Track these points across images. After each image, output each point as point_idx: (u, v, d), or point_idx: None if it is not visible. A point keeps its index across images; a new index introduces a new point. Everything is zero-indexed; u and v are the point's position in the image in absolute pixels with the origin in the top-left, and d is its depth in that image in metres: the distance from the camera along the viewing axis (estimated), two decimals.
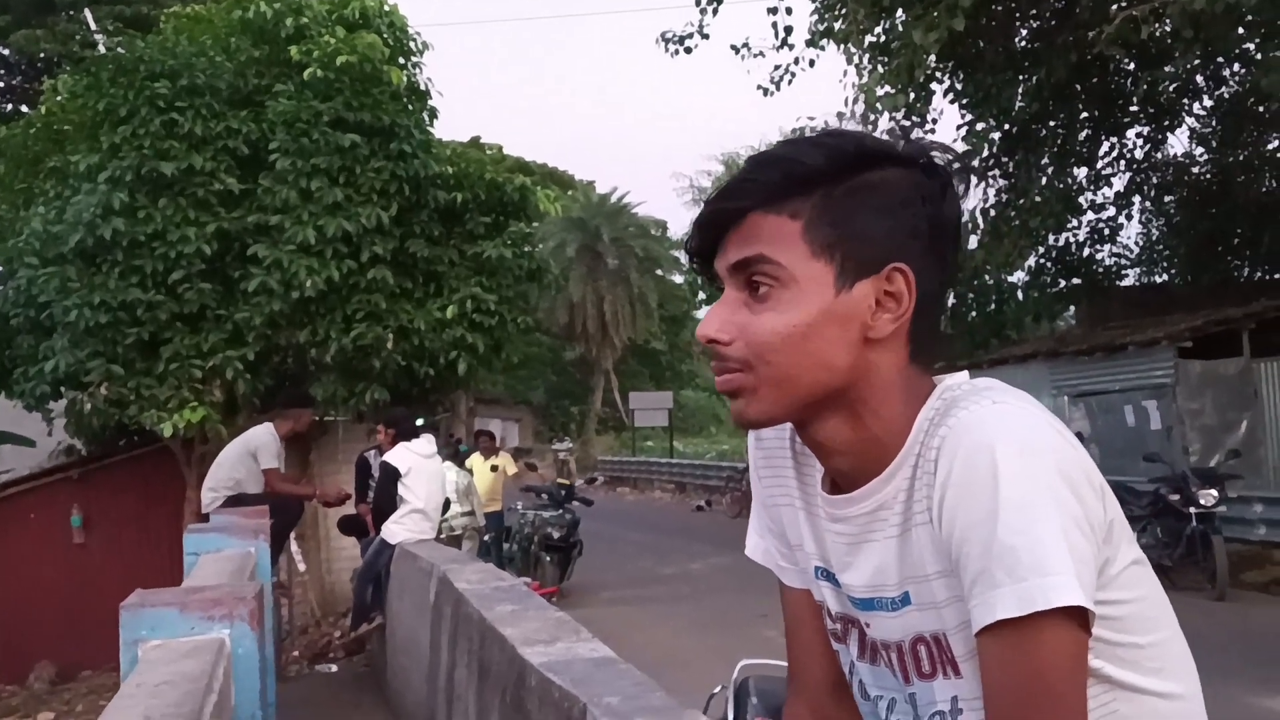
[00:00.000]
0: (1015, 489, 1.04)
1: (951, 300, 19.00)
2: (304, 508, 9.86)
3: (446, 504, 9.39)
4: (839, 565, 1.27)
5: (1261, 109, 17.85)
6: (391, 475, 7.97)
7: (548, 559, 12.61)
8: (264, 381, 11.01)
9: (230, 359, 10.47)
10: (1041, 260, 20.07)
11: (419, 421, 8.96)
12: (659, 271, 47.48)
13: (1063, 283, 20.44)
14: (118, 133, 10.57)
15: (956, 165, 1.22)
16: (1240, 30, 14.94)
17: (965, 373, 1.23)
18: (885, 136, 1.26)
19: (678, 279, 47.31)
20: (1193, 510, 10.95)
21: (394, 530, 7.88)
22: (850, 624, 1.30)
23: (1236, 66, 18.02)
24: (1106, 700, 1.14)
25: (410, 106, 11.82)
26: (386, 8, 12.13)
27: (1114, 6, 12.77)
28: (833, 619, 1.33)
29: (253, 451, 8.62)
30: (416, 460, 8.04)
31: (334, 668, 9.70)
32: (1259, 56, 15.75)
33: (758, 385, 1.18)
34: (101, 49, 12.89)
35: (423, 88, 12.28)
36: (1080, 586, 1.03)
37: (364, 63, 10.93)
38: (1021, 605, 1.02)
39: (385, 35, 11.70)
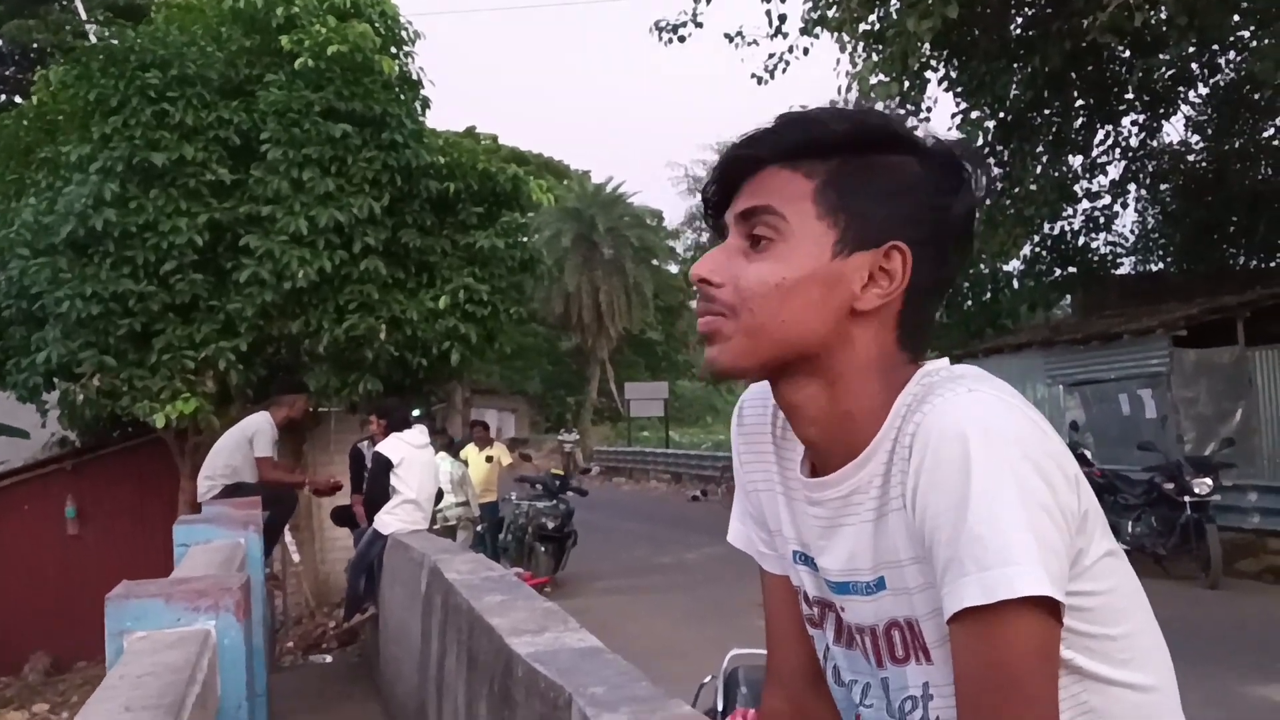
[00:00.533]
0: (985, 478, 1.04)
1: None
2: (298, 499, 9.85)
3: (440, 494, 9.38)
4: (816, 548, 1.27)
5: (1257, 96, 17.84)
6: (384, 466, 7.95)
7: (542, 549, 12.62)
8: (256, 372, 10.99)
9: (223, 350, 10.44)
10: (1037, 249, 20.08)
11: (415, 413, 8.95)
12: (654, 261, 47.53)
13: (1058, 271, 20.46)
14: (109, 123, 10.53)
15: (978, 169, 1.23)
16: (1235, 17, 14.93)
17: (945, 359, 1.22)
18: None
19: (673, 269, 47.36)
20: (1187, 499, 10.95)
21: (386, 521, 7.85)
22: (827, 608, 1.30)
23: (1232, 54, 17.98)
24: (1076, 691, 1.13)
25: (402, 96, 11.79)
26: None
27: None
28: (809, 604, 1.33)
29: (250, 438, 8.61)
30: (409, 451, 8.02)
31: (328, 658, 9.70)
32: (1254, 44, 15.74)
33: (734, 333, 1.19)
34: (93, 39, 12.84)
35: (415, 77, 12.25)
36: (1047, 576, 1.02)
37: (355, 52, 10.89)
38: (986, 594, 1.02)
39: (376, 24, 11.66)
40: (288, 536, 10.54)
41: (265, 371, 11.09)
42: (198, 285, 10.55)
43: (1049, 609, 1.04)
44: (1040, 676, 1.05)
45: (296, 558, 11.04)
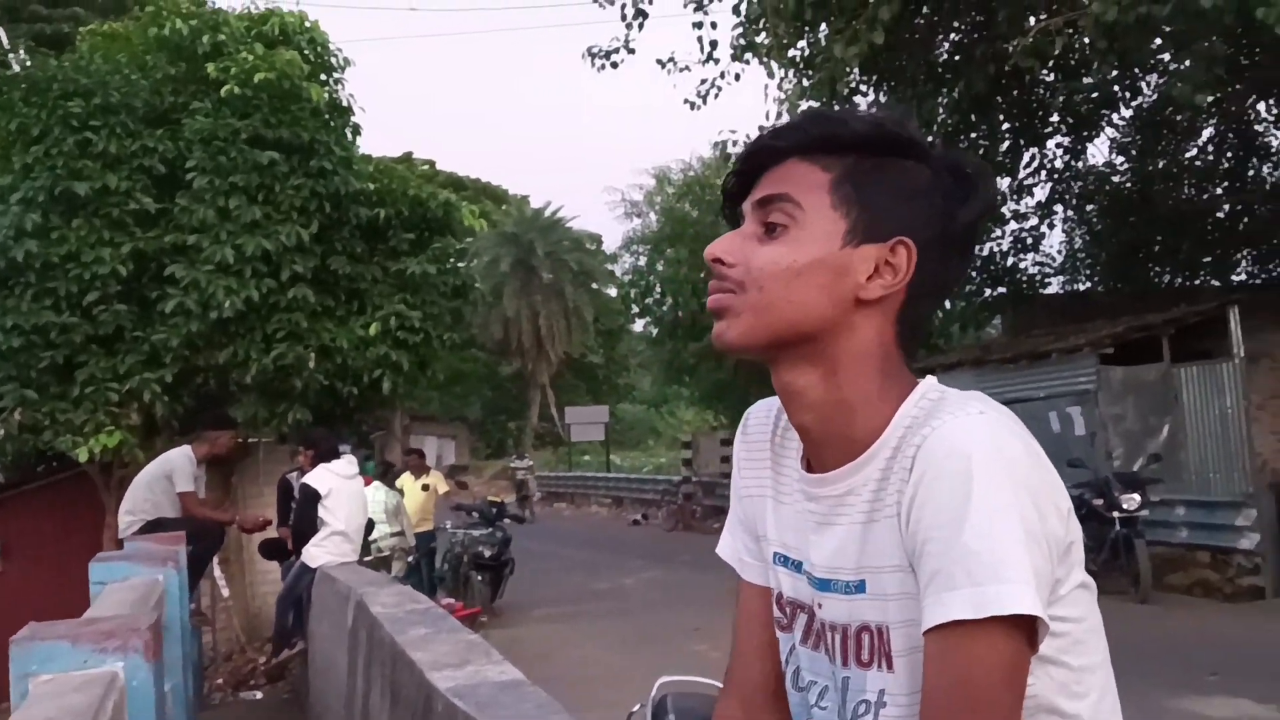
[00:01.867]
0: (986, 497, 1.07)
1: None
2: (225, 533, 9.69)
3: (371, 525, 9.26)
4: (805, 545, 1.30)
5: (1179, 118, 18.18)
6: (311, 497, 7.84)
7: (478, 578, 12.51)
8: (183, 404, 10.81)
9: (148, 381, 10.28)
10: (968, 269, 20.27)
11: (348, 445, 8.84)
12: (594, 285, 47.49)
13: (988, 292, 20.65)
14: (30, 153, 10.38)
15: (987, 183, 1.28)
16: (1156, 41, 15.22)
17: (934, 378, 1.27)
18: None
19: (613, 292, 47.30)
20: (1116, 514, 11.11)
21: (314, 554, 7.74)
22: (799, 609, 1.33)
23: (1153, 77, 18.33)
24: None
25: (331, 123, 11.69)
26: (307, 24, 12.01)
27: (1030, 20, 12.96)
28: (781, 607, 1.36)
29: (168, 474, 8.40)
30: (337, 481, 7.92)
31: (258, 694, 9.54)
32: (1174, 66, 16.05)
33: (742, 309, 1.23)
34: (15, 68, 12.65)
35: (344, 104, 12.15)
36: (1038, 598, 1.05)
37: (283, 79, 10.80)
38: (976, 609, 1.05)
39: (305, 51, 11.59)
40: (217, 571, 10.37)
41: (192, 402, 10.91)
42: (122, 316, 10.39)
43: (1028, 631, 1.07)
44: (1011, 697, 1.08)
45: (226, 592, 10.85)
